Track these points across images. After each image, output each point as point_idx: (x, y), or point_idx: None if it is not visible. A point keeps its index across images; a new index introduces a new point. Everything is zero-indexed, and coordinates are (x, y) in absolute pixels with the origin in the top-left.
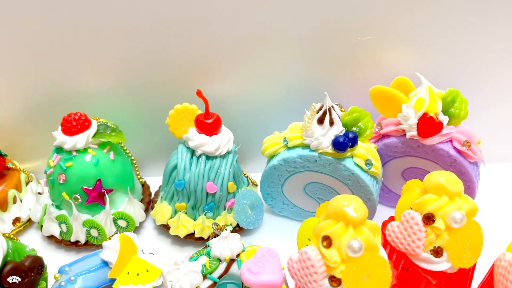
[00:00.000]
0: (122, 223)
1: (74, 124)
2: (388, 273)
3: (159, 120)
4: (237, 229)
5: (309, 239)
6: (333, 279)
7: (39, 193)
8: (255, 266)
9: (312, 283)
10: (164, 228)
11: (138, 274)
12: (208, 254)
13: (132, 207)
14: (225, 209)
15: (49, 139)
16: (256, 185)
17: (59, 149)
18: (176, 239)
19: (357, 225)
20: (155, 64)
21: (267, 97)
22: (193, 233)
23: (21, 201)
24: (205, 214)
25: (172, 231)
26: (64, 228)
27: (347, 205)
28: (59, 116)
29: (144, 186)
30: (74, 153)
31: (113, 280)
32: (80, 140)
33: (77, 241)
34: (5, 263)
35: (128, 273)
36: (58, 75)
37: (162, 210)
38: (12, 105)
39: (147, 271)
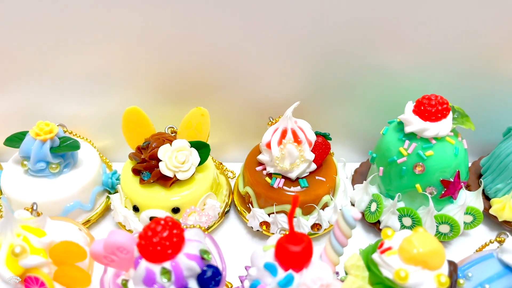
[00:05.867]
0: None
1: (439, 109)
2: None
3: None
4: None
5: None
6: None
7: None
8: None
9: None
10: (506, 226)
11: None
12: None
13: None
14: None
15: None
16: None
17: (410, 135)
18: None
19: None
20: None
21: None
22: None
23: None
24: None
25: None
26: (408, 222)
27: None
28: None
29: None
30: (433, 141)
31: None
32: (443, 127)
33: None
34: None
35: None
36: None
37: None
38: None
39: None
